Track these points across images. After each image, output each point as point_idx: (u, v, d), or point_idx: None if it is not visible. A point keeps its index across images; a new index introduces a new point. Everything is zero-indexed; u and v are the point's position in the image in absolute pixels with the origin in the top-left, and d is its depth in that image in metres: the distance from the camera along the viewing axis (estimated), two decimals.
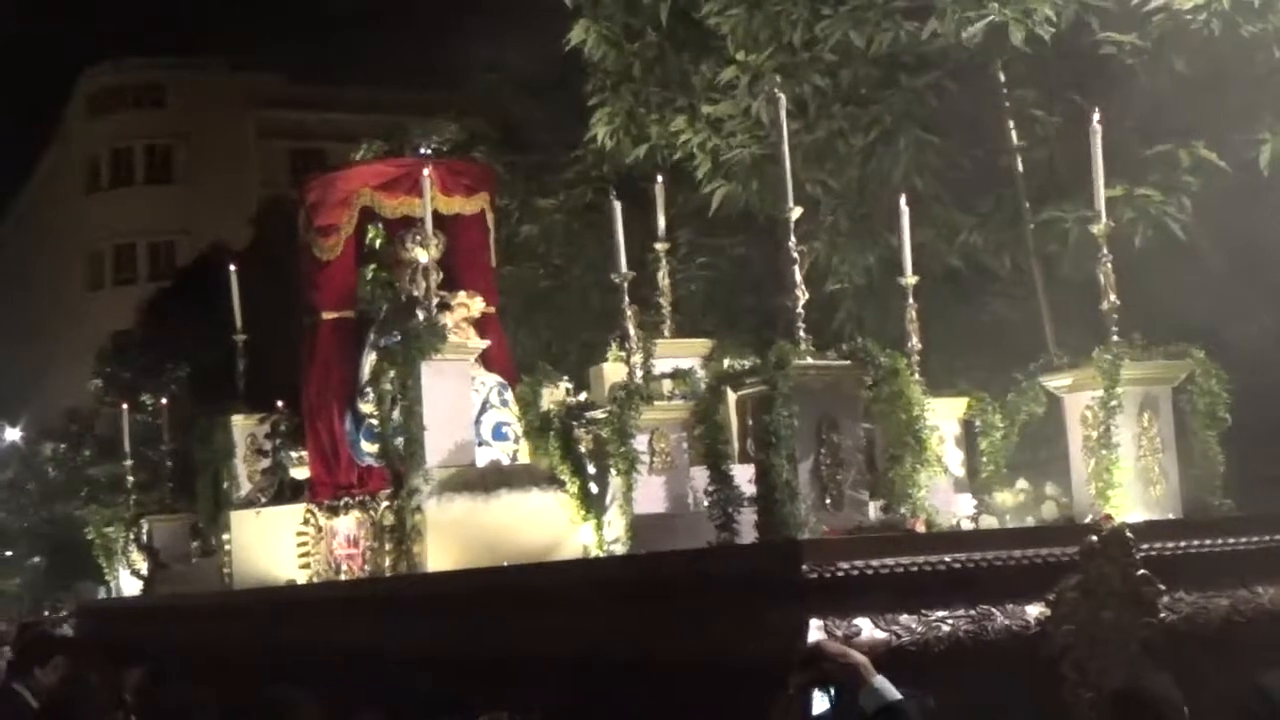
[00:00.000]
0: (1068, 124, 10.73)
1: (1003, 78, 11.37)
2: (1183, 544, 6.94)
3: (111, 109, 51.62)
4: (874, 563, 6.30)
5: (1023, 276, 11.91)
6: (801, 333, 6.97)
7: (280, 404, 12.01)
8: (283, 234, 12.09)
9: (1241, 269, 10.72)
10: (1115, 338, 7.40)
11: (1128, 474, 7.27)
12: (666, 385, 8.73)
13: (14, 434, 43.47)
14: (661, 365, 9.01)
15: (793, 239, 7.09)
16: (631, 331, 8.55)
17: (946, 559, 6.46)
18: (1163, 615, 6.70)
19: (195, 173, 50.30)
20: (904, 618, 6.32)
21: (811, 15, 11.77)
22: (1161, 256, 10.49)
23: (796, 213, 7.20)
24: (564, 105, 14.85)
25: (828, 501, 6.70)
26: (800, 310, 7.02)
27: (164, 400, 14.51)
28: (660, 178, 10.03)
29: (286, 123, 45.18)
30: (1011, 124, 11.43)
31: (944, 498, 7.83)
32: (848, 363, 6.86)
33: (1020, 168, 11.48)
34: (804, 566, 6.19)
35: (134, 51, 51.12)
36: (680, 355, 9.27)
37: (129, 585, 13.96)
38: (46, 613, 30.78)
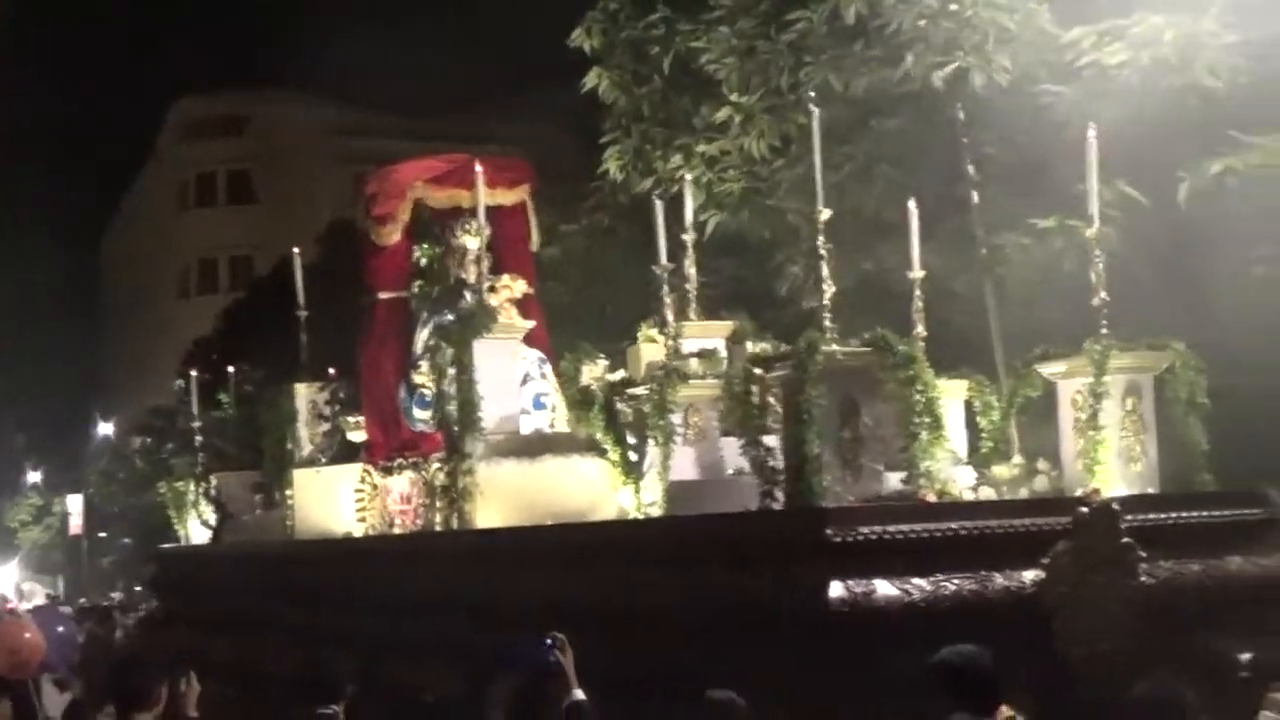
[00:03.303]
0: (1017, 162, 11.05)
1: (962, 116, 11.68)
2: (1162, 515, 7.15)
3: (198, 136, 53.01)
4: (890, 528, 6.52)
5: (978, 295, 12.24)
6: (827, 322, 7.14)
7: (332, 371, 12.19)
8: (345, 252, 12.44)
9: (1171, 285, 11.02)
10: (1104, 330, 7.58)
11: (1112, 452, 7.45)
12: (694, 364, 8.93)
13: (107, 428, 44.13)
14: (688, 345, 9.21)
15: (820, 238, 7.25)
16: (669, 316, 8.72)
17: (954, 526, 6.67)
18: (1142, 579, 6.93)
19: (272, 194, 51.31)
20: (915, 578, 6.53)
21: (796, 62, 12.22)
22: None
23: (826, 214, 7.36)
24: (587, 141, 15.23)
25: (849, 473, 6.87)
26: (827, 302, 7.19)
27: (230, 369, 14.69)
28: (689, 176, 10.20)
29: (354, 149, 45.69)
30: (969, 160, 11.77)
31: (945, 470, 8.02)
32: (869, 350, 7.04)
33: (975, 199, 11.80)
34: (828, 531, 6.40)
35: (219, 84, 52.54)
36: (706, 336, 9.45)
37: (198, 534, 14.16)
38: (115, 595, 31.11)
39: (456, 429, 9.53)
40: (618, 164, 14.04)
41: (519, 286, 10.86)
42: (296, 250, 12.64)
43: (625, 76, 13.99)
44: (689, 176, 10.33)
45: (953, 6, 10.97)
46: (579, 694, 5.98)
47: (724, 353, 9.03)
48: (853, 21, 11.65)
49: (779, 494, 6.84)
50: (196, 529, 14.07)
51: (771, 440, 7.18)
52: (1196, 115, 10.40)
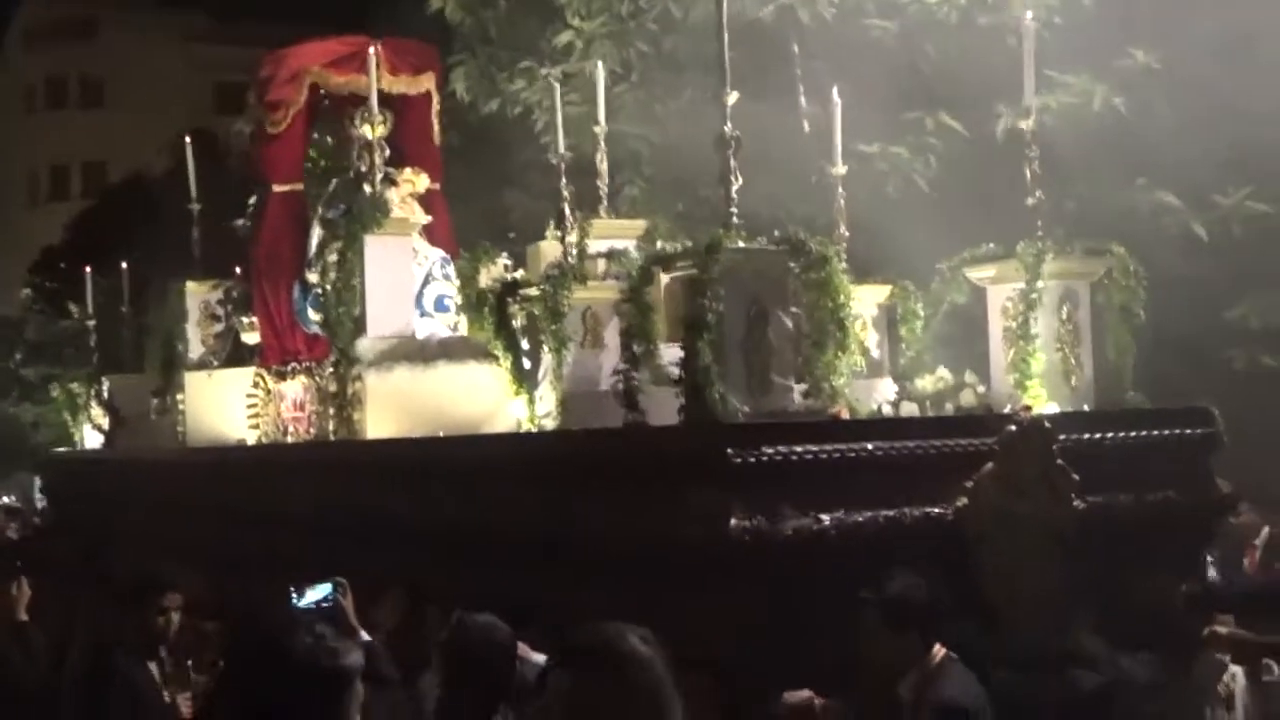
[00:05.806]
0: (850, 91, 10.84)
1: (796, 50, 11.77)
2: (1098, 435, 6.37)
3: (47, 40, 50.12)
4: (798, 449, 5.69)
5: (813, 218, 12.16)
6: (734, 219, 6.26)
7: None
8: (200, 161, 11.66)
9: (987, 216, 10.79)
10: (1039, 234, 6.77)
11: (1045, 365, 6.67)
12: (601, 265, 8.05)
13: None
14: (597, 245, 8.33)
15: (729, 125, 6.35)
16: (568, 212, 7.80)
17: (869, 446, 5.85)
18: (1076, 505, 6.17)
19: (126, 101, 48.74)
20: (825, 503, 5.72)
21: None
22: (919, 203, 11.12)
23: (733, 97, 6.45)
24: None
25: (755, 387, 6.03)
26: (734, 195, 6.31)
27: (124, 265, 13.63)
28: (600, 64, 9.32)
29: (211, 57, 44.22)
30: (802, 89, 11.76)
31: (862, 383, 7.22)
32: (780, 249, 6.17)
33: (807, 127, 11.71)
34: (729, 450, 5.57)
35: None
36: (616, 236, 8.56)
37: (91, 439, 13.22)
38: None
39: (343, 331, 8.65)
40: (464, 84, 13.84)
41: (421, 181, 9.87)
42: (188, 139, 11.57)
43: None
44: (599, 75, 9.37)
45: None
46: (365, 636, 5.39)
47: (635, 254, 8.15)
48: None
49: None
50: (90, 433, 13.14)
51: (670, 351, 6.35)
52: (1013, 53, 10.10)
